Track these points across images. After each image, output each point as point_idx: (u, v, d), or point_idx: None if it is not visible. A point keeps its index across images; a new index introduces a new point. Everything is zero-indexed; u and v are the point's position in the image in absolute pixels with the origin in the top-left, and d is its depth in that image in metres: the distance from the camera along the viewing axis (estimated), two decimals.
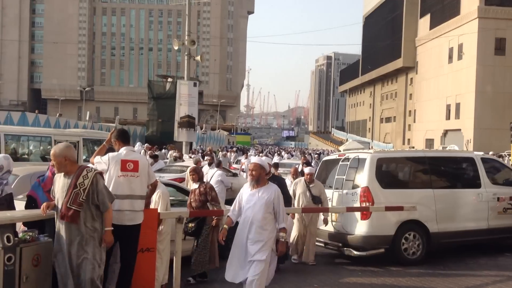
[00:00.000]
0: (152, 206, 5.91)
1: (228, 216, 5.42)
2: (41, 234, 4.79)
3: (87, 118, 37.78)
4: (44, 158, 13.76)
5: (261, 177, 5.26)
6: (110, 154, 5.30)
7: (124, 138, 5.44)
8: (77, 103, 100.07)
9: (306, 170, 8.48)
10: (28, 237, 4.64)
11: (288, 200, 7.63)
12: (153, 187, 5.60)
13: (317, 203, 8.17)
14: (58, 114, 38.43)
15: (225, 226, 5.34)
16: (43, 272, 4.64)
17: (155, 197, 6.07)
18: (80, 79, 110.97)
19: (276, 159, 23.00)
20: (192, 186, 7.01)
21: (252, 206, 5.16)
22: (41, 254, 4.63)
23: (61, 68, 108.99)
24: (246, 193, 5.29)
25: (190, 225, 6.54)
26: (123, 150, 5.32)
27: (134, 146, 20.73)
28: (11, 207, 5.32)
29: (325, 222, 8.23)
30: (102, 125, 37.92)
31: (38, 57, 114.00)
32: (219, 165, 11.78)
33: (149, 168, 5.45)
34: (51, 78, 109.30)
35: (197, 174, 6.91)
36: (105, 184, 4.86)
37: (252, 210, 5.15)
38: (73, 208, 4.59)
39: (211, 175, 10.50)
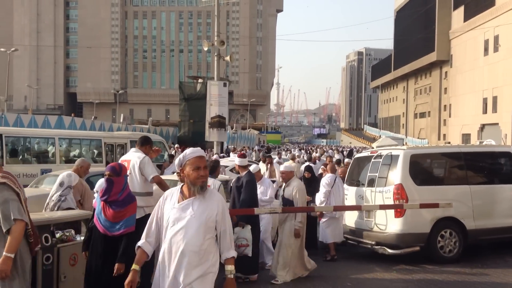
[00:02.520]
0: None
1: (139, 247, 3.47)
2: (77, 234, 4.92)
3: (121, 120, 38.50)
4: (95, 160, 14.89)
5: None
6: None
7: (138, 141, 6.05)
8: (111, 106, 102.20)
9: (281, 168, 7.44)
10: (65, 237, 4.77)
11: (255, 203, 6.90)
12: (158, 185, 5.75)
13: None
14: (93, 117, 39.32)
15: (134, 266, 3.38)
16: (80, 272, 4.76)
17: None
18: (114, 82, 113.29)
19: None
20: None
21: (184, 227, 3.30)
22: (78, 253, 4.74)
23: (95, 72, 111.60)
24: (171, 207, 3.40)
25: None
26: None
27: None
28: None
29: (296, 235, 6.94)
30: (136, 127, 38.60)
31: (73, 61, 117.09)
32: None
33: (141, 166, 5.65)
34: (86, 82, 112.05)
35: None
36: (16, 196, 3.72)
37: (184, 234, 3.29)
38: None
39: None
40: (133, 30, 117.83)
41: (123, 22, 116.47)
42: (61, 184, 6.20)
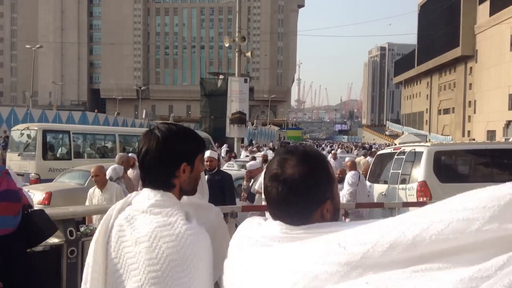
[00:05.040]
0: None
1: None
2: None
3: (143, 116, 38.89)
4: None
5: None
6: None
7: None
8: (134, 102, 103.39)
9: (247, 167, 7.36)
10: (89, 231, 4.84)
11: (232, 197, 6.61)
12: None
13: (251, 202, 7.25)
14: (116, 113, 39.83)
15: None
16: None
17: (114, 194, 6.09)
18: (136, 79, 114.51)
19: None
20: None
21: None
22: None
23: (118, 68, 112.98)
24: None
25: None
26: None
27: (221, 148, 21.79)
28: None
29: None
30: (158, 123, 38.96)
31: (96, 58, 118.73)
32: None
33: None
34: (109, 78, 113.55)
35: None
36: None
37: None
38: None
39: None
40: (155, 26, 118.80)
41: (146, 19, 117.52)
42: (110, 179, 6.63)
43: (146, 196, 1.49)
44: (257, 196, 7.22)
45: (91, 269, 1.48)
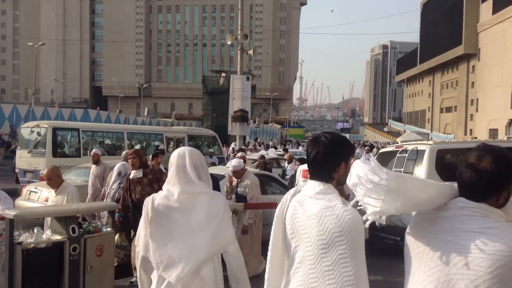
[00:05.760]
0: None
1: None
2: (103, 226, 4.99)
3: (145, 114, 38.97)
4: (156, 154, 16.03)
5: None
6: None
7: None
8: (136, 100, 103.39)
9: (231, 168, 6.97)
10: (91, 228, 4.85)
11: None
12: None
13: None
14: (118, 111, 39.90)
15: None
16: (106, 262, 4.83)
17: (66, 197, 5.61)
18: (138, 76, 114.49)
19: None
20: (132, 173, 5.76)
21: None
22: (104, 244, 4.81)
23: (120, 66, 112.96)
24: None
25: None
26: None
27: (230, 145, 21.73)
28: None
29: (243, 231, 6.53)
30: (160, 121, 38.98)
31: (99, 55, 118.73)
32: None
33: None
34: (111, 76, 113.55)
35: (139, 158, 5.70)
36: None
37: None
38: None
39: None
40: (157, 24, 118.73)
41: (148, 17, 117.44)
42: (119, 174, 6.81)
43: (312, 186, 2.03)
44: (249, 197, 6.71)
45: (274, 236, 2.10)
